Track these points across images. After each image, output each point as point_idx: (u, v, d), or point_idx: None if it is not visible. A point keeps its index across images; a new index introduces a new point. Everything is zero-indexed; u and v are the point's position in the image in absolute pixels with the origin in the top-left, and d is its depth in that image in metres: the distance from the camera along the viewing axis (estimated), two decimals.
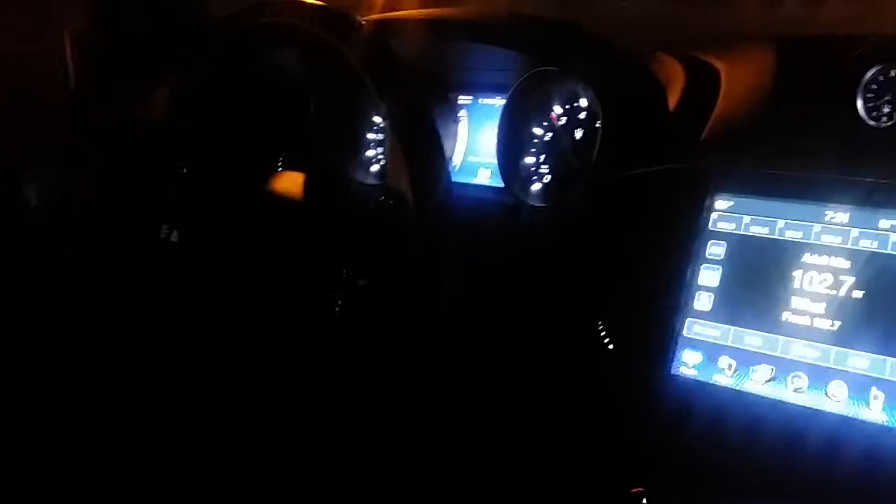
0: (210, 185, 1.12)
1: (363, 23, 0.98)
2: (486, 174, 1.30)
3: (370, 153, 1.31)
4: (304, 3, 0.98)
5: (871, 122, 0.96)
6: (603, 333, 1.06)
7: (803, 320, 0.93)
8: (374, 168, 1.31)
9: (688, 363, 0.99)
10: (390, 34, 1.09)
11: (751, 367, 0.95)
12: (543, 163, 1.23)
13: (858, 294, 0.91)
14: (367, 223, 1.05)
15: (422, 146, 0.93)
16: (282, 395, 1.10)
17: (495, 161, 1.25)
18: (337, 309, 0.97)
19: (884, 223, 0.91)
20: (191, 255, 1.07)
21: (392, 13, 1.15)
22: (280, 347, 1.07)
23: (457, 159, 1.34)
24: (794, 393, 0.92)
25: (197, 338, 1.11)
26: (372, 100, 0.95)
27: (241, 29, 1.03)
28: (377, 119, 1.27)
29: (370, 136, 1.31)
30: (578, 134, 1.20)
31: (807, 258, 0.95)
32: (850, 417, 0.88)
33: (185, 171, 1.13)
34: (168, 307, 1.11)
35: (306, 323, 1.02)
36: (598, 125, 1.13)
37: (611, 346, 1.05)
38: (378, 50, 0.96)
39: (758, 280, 0.97)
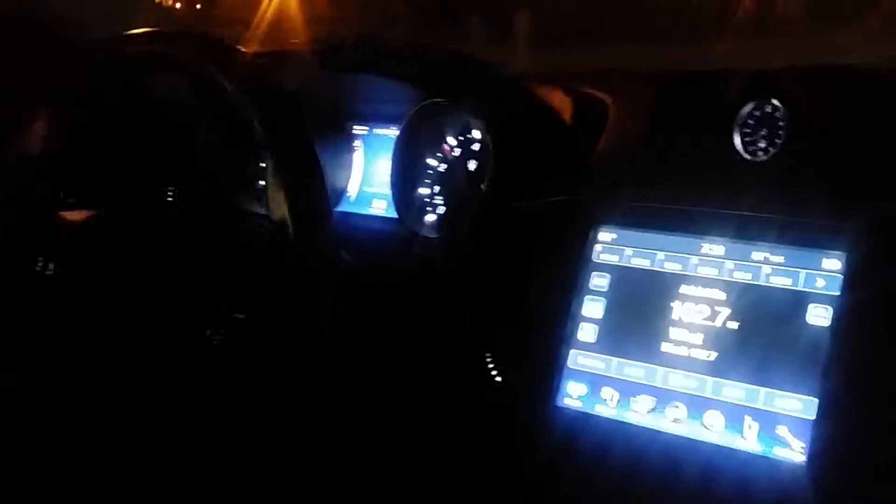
0: (92, 216, 1.09)
1: (247, 53, 0.97)
2: (381, 205, 1.30)
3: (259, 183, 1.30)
4: (186, 32, 0.97)
5: (748, 157, 0.98)
6: (490, 365, 1.05)
7: (682, 351, 0.94)
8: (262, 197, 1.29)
9: (572, 394, 0.99)
10: (278, 65, 1.08)
11: (632, 398, 0.96)
12: (437, 194, 1.23)
13: (733, 325, 0.93)
14: (251, 253, 1.03)
15: (302, 176, 0.92)
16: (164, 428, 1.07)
17: (390, 192, 1.25)
18: (215, 341, 0.95)
19: (757, 255, 0.93)
20: (70, 287, 1.03)
21: (282, 44, 1.14)
22: (163, 379, 1.04)
23: (352, 190, 1.33)
24: (673, 423, 0.93)
25: (75, 372, 1.07)
26: (255, 130, 0.94)
27: (121, 57, 1.01)
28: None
29: (259, 165, 1.30)
30: (472, 165, 1.20)
31: (685, 290, 0.96)
32: (725, 447, 0.90)
33: (69, 202, 1.10)
34: (44, 340, 1.07)
35: (187, 356, 0.99)
36: (490, 156, 1.14)
37: (498, 378, 1.04)
38: (261, 80, 0.95)
39: (639, 311, 0.98)
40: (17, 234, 1.05)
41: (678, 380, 0.94)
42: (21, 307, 1.06)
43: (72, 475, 1.13)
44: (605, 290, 1.00)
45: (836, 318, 0.87)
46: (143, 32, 0.99)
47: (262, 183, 1.27)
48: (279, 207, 0.94)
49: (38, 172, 1.08)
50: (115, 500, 1.13)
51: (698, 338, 0.94)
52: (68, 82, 1.03)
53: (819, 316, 0.88)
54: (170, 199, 1.21)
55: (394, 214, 1.24)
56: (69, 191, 1.11)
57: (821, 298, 0.89)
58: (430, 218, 1.22)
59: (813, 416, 0.85)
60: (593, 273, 1.01)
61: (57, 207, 1.09)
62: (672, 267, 0.97)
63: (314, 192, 0.93)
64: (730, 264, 0.95)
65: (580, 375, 0.99)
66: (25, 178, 1.07)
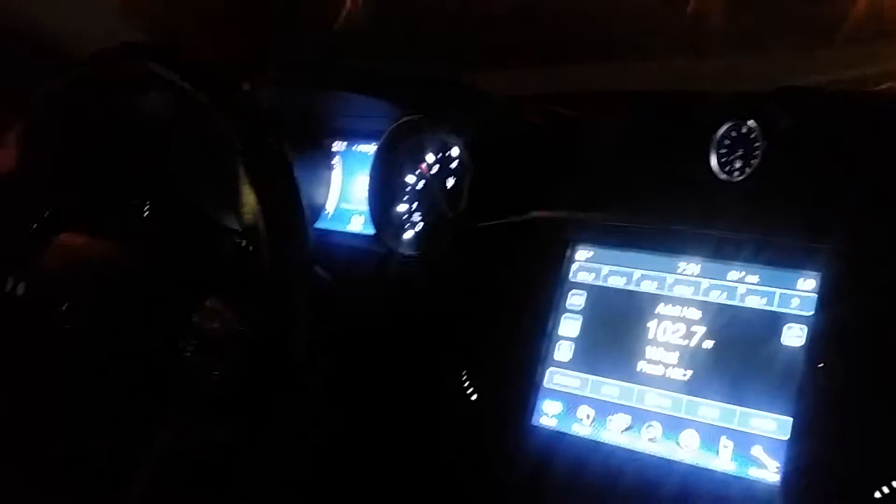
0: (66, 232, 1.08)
1: (222, 67, 0.96)
2: (359, 221, 1.29)
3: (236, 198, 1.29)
4: (160, 46, 0.96)
5: (724, 177, 0.99)
6: (466, 383, 1.05)
7: (658, 370, 0.94)
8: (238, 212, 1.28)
9: (548, 413, 0.99)
10: (255, 80, 1.08)
11: (608, 417, 0.96)
12: (415, 211, 1.23)
13: (709, 344, 0.93)
14: (227, 269, 1.02)
15: (278, 192, 0.92)
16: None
17: (368, 208, 1.24)
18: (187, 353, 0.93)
19: (732, 275, 0.93)
20: (38, 307, 1.02)
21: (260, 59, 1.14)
22: (133, 396, 1.02)
23: (330, 206, 1.32)
24: (649, 442, 0.93)
25: (42, 390, 1.05)
26: (231, 146, 0.93)
27: (94, 72, 1.00)
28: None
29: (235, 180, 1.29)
30: (450, 182, 1.20)
31: (661, 309, 0.96)
32: (700, 467, 0.89)
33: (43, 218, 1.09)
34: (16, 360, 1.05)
35: (158, 369, 0.98)
36: (467, 174, 1.14)
37: (473, 396, 1.04)
38: (237, 95, 0.95)
39: (616, 330, 0.98)
40: None
41: (654, 399, 0.94)
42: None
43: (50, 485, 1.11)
44: (581, 308, 1.00)
45: (811, 339, 0.87)
46: (116, 47, 0.98)
47: (238, 198, 1.27)
48: (255, 223, 0.93)
49: (9, 189, 1.06)
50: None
51: (674, 357, 0.94)
52: (42, 98, 1.02)
53: (794, 336, 0.88)
54: (145, 213, 1.20)
55: (371, 231, 1.23)
56: (42, 207, 1.09)
57: (796, 318, 0.89)
58: (408, 235, 1.22)
59: (787, 437, 0.85)
60: (570, 291, 1.01)
61: (29, 224, 1.08)
62: (648, 286, 0.97)
63: (290, 208, 0.92)
64: (706, 284, 0.95)
65: (556, 394, 0.99)
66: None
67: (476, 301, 1.07)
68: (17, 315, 1.02)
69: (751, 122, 0.97)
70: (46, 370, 1.05)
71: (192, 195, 1.20)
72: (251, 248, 0.99)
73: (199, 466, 1.08)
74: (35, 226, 1.06)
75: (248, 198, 0.95)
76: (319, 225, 1.31)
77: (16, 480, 1.07)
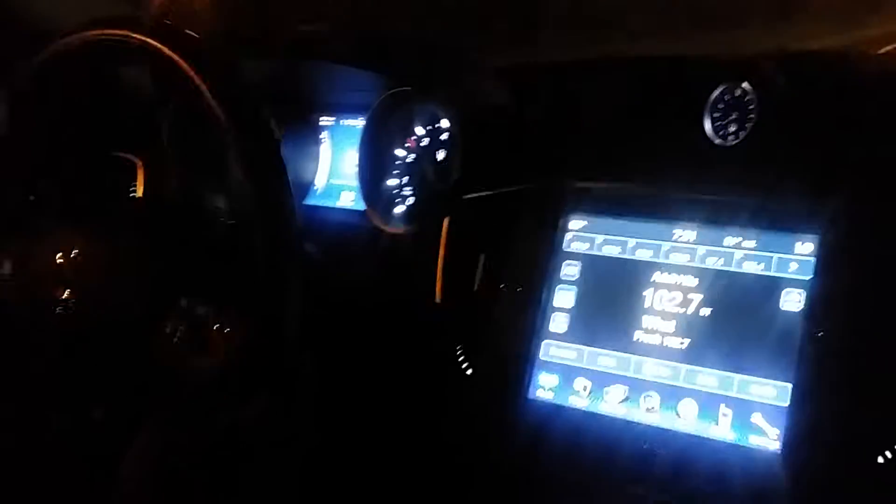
0: (53, 209, 1.06)
1: (210, 42, 0.94)
2: (349, 197, 1.27)
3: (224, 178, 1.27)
4: (150, 20, 0.94)
5: (718, 141, 0.97)
6: (461, 357, 1.03)
7: (654, 339, 0.93)
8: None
9: (544, 386, 0.98)
10: (242, 54, 1.06)
11: (605, 388, 0.94)
12: (406, 185, 1.21)
13: (706, 312, 0.91)
14: (211, 245, 1.01)
15: (263, 169, 0.90)
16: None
17: (358, 183, 1.22)
18: (176, 338, 0.92)
19: (729, 240, 0.92)
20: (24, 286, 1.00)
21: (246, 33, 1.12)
22: (119, 376, 1.00)
23: (319, 182, 1.31)
24: (647, 413, 0.92)
25: (32, 370, 1.04)
26: (218, 123, 0.91)
27: (83, 43, 0.97)
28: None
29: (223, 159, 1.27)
30: (440, 155, 1.18)
31: (657, 277, 0.95)
32: (700, 436, 0.88)
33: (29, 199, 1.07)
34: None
35: (143, 353, 0.96)
36: (457, 146, 1.12)
37: (469, 371, 1.02)
38: (225, 71, 0.92)
39: (611, 300, 0.97)
40: None
41: (651, 369, 0.92)
42: None
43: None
44: (575, 279, 0.99)
45: (809, 303, 0.86)
46: (102, 19, 0.96)
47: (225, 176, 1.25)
48: (243, 202, 0.91)
49: None
50: None
51: (671, 326, 0.92)
52: (26, 73, 1.00)
53: (792, 301, 0.87)
54: (132, 194, 1.18)
55: (362, 206, 1.21)
56: (29, 187, 1.08)
57: (794, 283, 0.88)
58: (399, 209, 1.20)
59: (787, 403, 0.84)
60: (564, 262, 1.00)
61: (17, 204, 1.06)
62: (643, 254, 0.96)
63: (278, 186, 0.90)
64: (702, 250, 0.93)
65: (552, 366, 0.98)
66: None
67: (468, 274, 1.06)
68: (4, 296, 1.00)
69: (745, 85, 0.95)
70: (35, 353, 1.04)
71: (179, 173, 1.18)
72: (240, 226, 0.97)
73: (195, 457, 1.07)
74: (20, 207, 1.04)
75: (235, 176, 0.93)
76: (309, 201, 1.30)
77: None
